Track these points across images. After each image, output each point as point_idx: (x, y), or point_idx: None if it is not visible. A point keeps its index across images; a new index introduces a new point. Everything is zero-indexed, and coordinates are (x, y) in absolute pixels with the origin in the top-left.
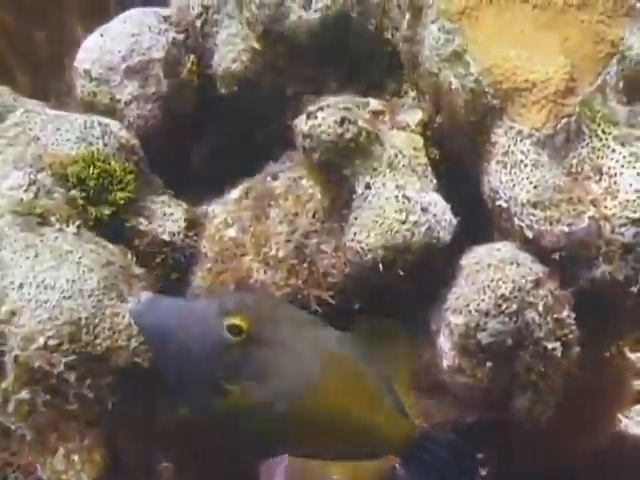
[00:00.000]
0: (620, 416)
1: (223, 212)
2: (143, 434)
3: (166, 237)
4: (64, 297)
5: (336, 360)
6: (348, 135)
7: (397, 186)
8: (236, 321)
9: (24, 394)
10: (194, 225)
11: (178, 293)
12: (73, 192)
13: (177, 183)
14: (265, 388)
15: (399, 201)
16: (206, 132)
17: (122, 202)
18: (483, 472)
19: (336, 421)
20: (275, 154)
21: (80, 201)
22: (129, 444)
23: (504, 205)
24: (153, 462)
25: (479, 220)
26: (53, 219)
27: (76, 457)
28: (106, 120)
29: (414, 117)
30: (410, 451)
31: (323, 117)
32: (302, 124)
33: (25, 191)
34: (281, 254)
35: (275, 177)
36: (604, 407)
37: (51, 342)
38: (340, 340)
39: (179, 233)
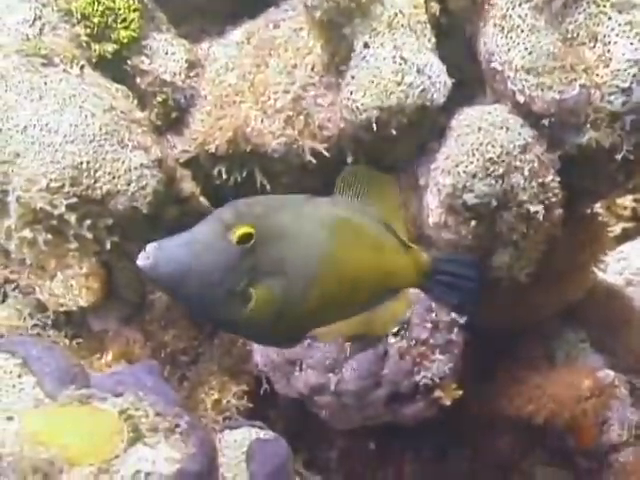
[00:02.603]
0: (596, 268)
1: (224, 56)
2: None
3: (167, 77)
4: (67, 141)
5: (337, 225)
6: None
7: (395, 47)
8: (240, 231)
9: (26, 233)
10: (195, 66)
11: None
12: (77, 28)
13: (180, 18)
14: (286, 277)
15: (396, 62)
16: None
17: (125, 40)
18: (461, 321)
19: (356, 279)
20: None
21: (84, 38)
22: (125, 276)
23: (499, 68)
24: (147, 292)
25: (474, 78)
26: (57, 60)
27: (74, 282)
28: None
29: None
30: (426, 278)
31: None
32: None
33: (31, 26)
34: (279, 104)
35: (276, 25)
36: (581, 260)
37: (53, 184)
38: (333, 205)
39: (180, 73)
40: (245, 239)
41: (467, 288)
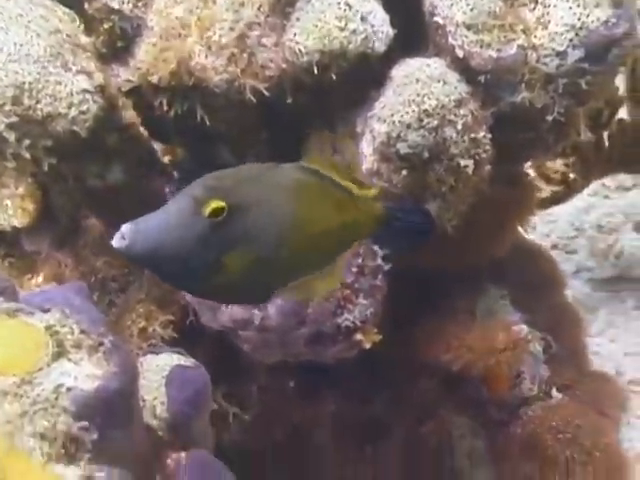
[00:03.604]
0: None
1: None
2: (74, 192)
3: (115, 5)
4: (10, 60)
5: (301, 190)
6: None
7: None
8: (212, 206)
9: None
10: None
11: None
12: None
13: None
14: (256, 244)
15: (340, 8)
16: None
17: None
18: (386, 267)
19: (321, 237)
20: None
21: None
22: (60, 199)
23: (440, 22)
24: (81, 217)
25: (416, 30)
26: None
27: (9, 202)
28: None
29: None
30: (381, 226)
31: None
32: None
33: None
34: (224, 41)
35: None
36: (507, 219)
37: None
38: (297, 170)
39: (128, 2)
40: (216, 213)
41: (418, 232)
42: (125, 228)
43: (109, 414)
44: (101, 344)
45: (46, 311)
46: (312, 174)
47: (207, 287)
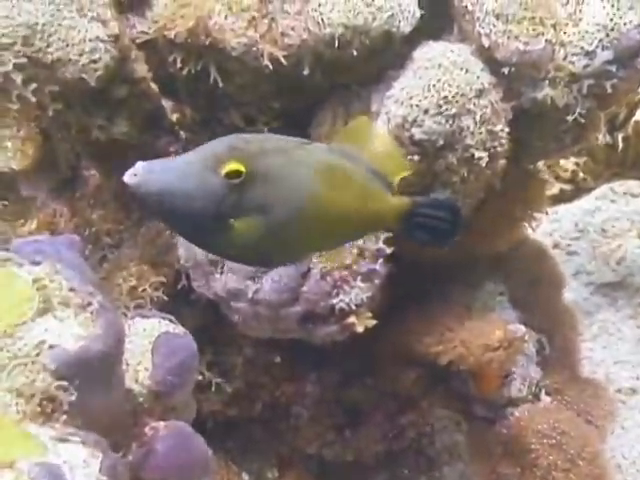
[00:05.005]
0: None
1: None
2: (76, 142)
3: None
4: None
5: (327, 171)
6: None
7: None
8: (230, 167)
9: None
10: None
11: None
12: None
13: None
14: (270, 215)
15: None
16: None
17: None
18: (388, 251)
19: (338, 223)
20: None
21: None
22: (61, 147)
23: (470, 7)
24: (82, 168)
25: (442, 13)
26: None
27: (10, 144)
28: None
29: None
30: (405, 219)
31: None
32: None
33: None
34: (245, 3)
35: None
36: (515, 214)
37: (4, 40)
38: (326, 151)
39: None
40: (234, 175)
41: (444, 229)
42: (139, 165)
43: (89, 376)
44: (89, 304)
45: (36, 263)
46: (342, 157)
47: (209, 243)
